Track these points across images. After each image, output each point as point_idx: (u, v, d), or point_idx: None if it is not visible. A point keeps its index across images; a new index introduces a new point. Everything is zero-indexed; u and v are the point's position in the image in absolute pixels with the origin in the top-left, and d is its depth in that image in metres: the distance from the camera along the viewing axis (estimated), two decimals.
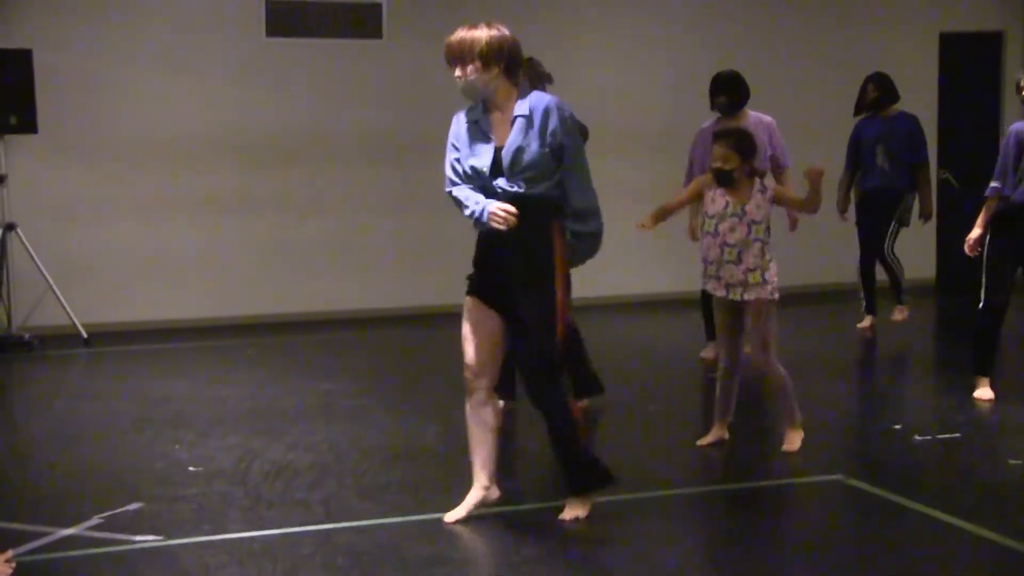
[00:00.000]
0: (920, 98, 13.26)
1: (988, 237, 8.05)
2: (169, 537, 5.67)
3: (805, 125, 12.95)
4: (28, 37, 11.22)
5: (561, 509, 5.86)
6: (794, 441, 7.00)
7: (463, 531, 5.70)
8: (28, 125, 10.87)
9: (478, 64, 5.70)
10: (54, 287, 11.02)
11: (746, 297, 6.81)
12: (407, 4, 12.52)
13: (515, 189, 5.67)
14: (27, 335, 10.98)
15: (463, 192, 5.86)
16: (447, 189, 5.97)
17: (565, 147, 5.66)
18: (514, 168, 5.67)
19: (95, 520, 5.89)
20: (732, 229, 6.80)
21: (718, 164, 6.81)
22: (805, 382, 8.99)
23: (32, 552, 5.47)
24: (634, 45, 13.10)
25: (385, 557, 5.36)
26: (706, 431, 7.22)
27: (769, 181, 6.87)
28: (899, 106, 11.02)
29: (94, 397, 8.96)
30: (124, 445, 7.48)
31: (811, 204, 6.86)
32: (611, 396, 8.25)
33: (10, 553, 5.33)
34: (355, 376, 9.57)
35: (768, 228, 6.83)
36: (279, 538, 5.66)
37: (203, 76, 12.01)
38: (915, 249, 12.92)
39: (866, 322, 11.10)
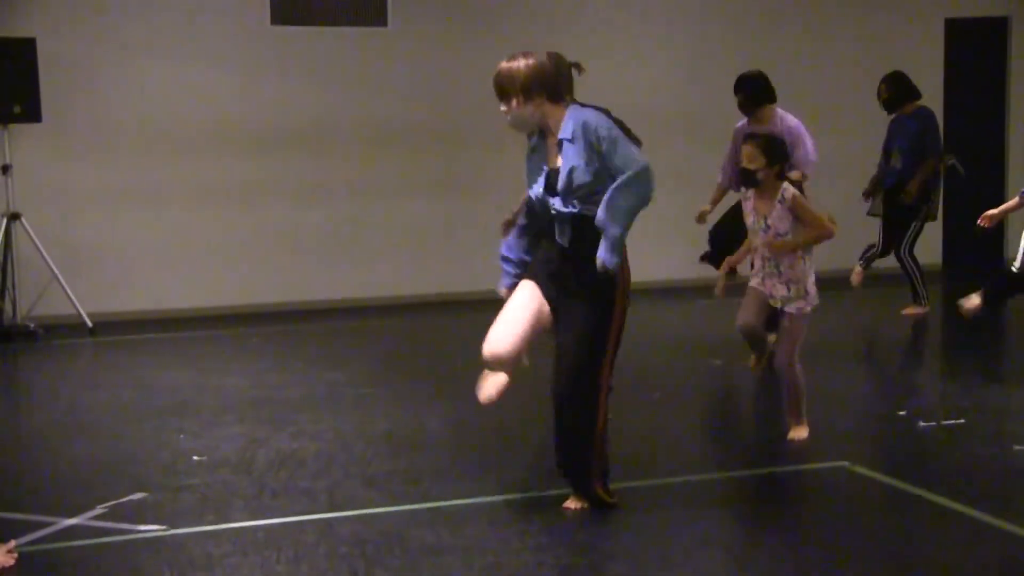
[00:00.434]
0: (926, 84, 13.20)
1: None
2: (173, 526, 5.67)
3: (811, 112, 12.90)
4: (32, 26, 11.21)
5: (565, 497, 5.85)
6: (801, 432, 6.98)
7: (466, 519, 5.69)
8: (32, 114, 10.86)
9: (520, 98, 5.68)
10: (59, 276, 11.02)
11: (787, 309, 6.81)
12: None
13: (569, 210, 5.65)
14: (32, 324, 10.99)
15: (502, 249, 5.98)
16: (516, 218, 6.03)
17: (605, 154, 5.59)
18: (567, 189, 5.64)
19: (99, 510, 5.90)
20: (765, 244, 6.81)
21: (744, 163, 6.83)
22: (810, 368, 8.98)
23: (35, 542, 5.47)
24: (642, 34, 13.07)
25: (388, 545, 5.36)
26: (710, 420, 7.21)
27: (789, 190, 6.77)
28: (921, 101, 10.96)
29: (99, 386, 8.96)
30: (128, 434, 7.47)
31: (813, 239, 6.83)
32: (615, 383, 8.22)
33: (12, 544, 5.33)
34: (360, 365, 9.56)
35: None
36: (283, 527, 5.65)
37: (207, 64, 12.00)
38: (921, 235, 12.91)
39: (910, 309, 11.10)
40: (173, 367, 9.57)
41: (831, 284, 12.75)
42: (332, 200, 12.42)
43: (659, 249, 12.76)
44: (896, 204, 10.89)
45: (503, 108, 5.77)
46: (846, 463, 6.48)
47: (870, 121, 11.37)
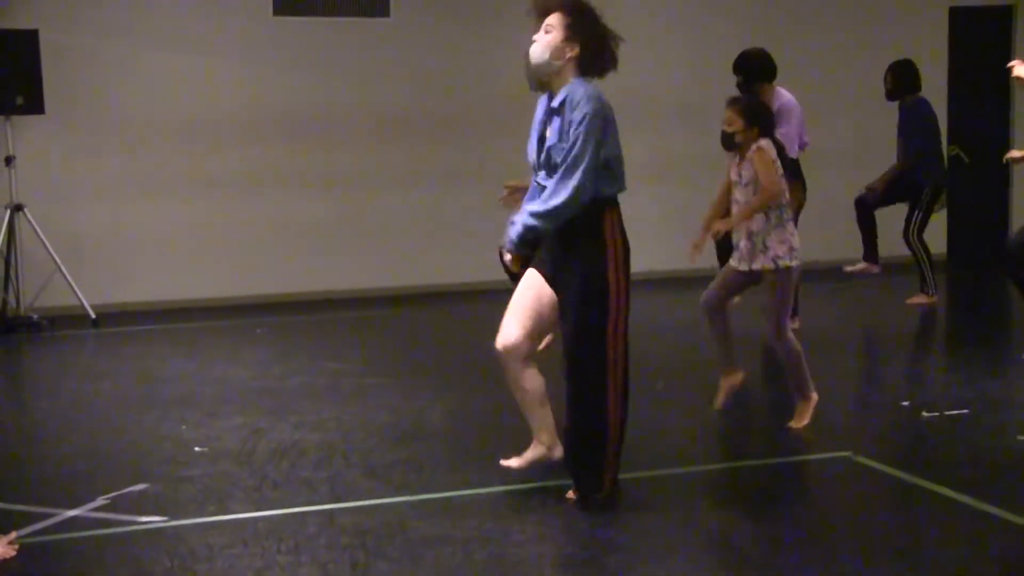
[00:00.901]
0: (930, 73, 13.16)
1: None
2: (174, 518, 5.66)
3: (814, 101, 12.89)
4: (35, 18, 11.20)
5: (567, 488, 5.84)
6: (804, 415, 6.95)
7: (468, 510, 5.68)
8: (35, 106, 10.85)
9: (562, 31, 5.56)
10: (62, 268, 11.02)
11: (753, 267, 6.80)
12: None
13: (548, 184, 5.56)
14: (36, 316, 10.99)
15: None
16: None
17: (570, 142, 5.42)
18: (547, 163, 5.56)
19: (100, 501, 5.89)
20: (735, 199, 6.87)
21: (724, 126, 6.85)
22: (813, 358, 8.95)
23: (36, 534, 5.47)
24: (646, 23, 13.04)
25: (389, 536, 5.35)
26: (713, 410, 7.18)
27: (759, 144, 6.76)
28: (922, 92, 10.94)
29: (101, 377, 8.96)
30: (131, 425, 7.47)
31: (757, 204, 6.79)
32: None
33: (14, 535, 5.32)
34: (362, 355, 9.56)
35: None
36: (284, 518, 5.65)
37: (210, 55, 11.99)
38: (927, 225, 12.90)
39: (857, 266, 11.03)
40: (176, 358, 9.57)
41: (830, 275, 12.77)
42: (336, 191, 12.41)
43: (662, 238, 12.73)
44: (903, 193, 10.87)
45: (538, 34, 5.55)
46: (849, 454, 6.46)
47: (874, 110, 11.36)
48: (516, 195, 6.16)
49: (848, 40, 13.40)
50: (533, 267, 5.75)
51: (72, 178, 11.64)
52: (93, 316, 11.00)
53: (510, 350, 5.72)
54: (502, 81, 12.34)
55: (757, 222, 6.78)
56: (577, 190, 5.41)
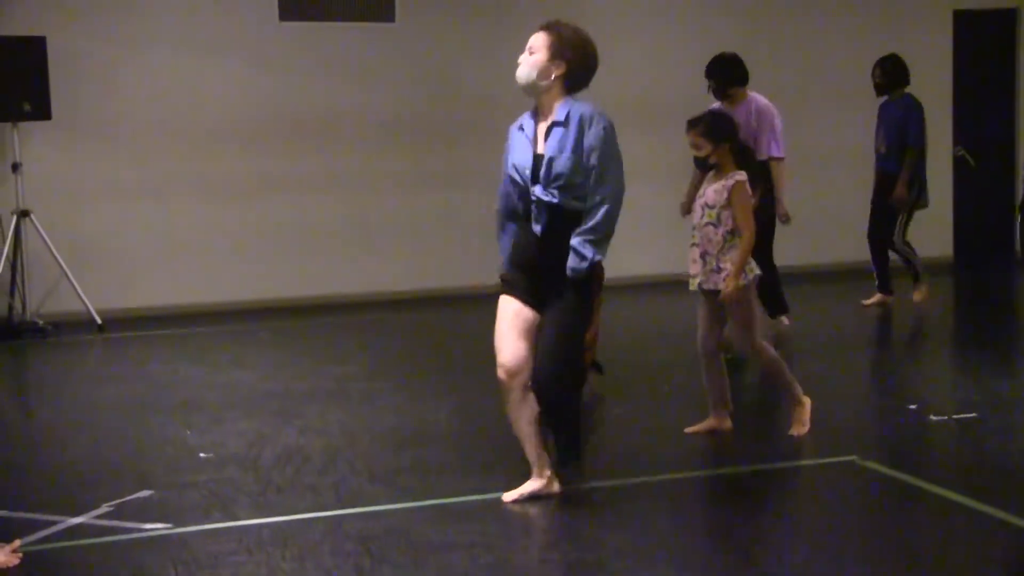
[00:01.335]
0: (934, 76, 13.20)
1: None
2: (178, 524, 5.65)
3: (818, 104, 12.89)
4: (42, 24, 11.22)
5: (572, 494, 5.84)
6: (802, 422, 6.87)
7: (472, 515, 5.67)
8: (42, 112, 10.86)
9: (547, 54, 5.68)
10: (68, 273, 11.03)
11: (704, 287, 6.74)
12: None
13: (548, 199, 5.62)
14: (41, 321, 11.00)
15: (501, 242, 5.92)
16: (496, 207, 5.96)
17: (594, 167, 5.56)
18: (547, 177, 5.61)
19: (104, 508, 5.88)
20: (694, 211, 6.83)
21: (693, 152, 6.78)
22: (820, 362, 8.96)
23: (40, 541, 5.46)
24: (650, 20, 13.05)
25: (394, 542, 5.34)
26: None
27: (740, 175, 6.71)
28: (910, 88, 10.93)
29: (107, 383, 8.96)
30: (136, 431, 7.47)
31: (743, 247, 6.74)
32: (623, 377, 8.22)
33: (17, 543, 5.31)
34: (368, 359, 9.55)
35: (729, 217, 6.69)
36: (288, 524, 5.64)
37: (217, 60, 12.00)
38: (932, 226, 12.88)
39: (873, 299, 11.06)
40: (182, 363, 9.57)
41: (837, 277, 12.75)
42: (341, 195, 12.41)
43: (665, 242, 12.71)
44: (882, 189, 10.86)
45: (523, 57, 5.70)
46: (856, 457, 6.44)
47: (872, 114, 11.30)
48: None
49: (852, 43, 13.37)
50: (508, 293, 5.78)
51: (78, 184, 11.64)
52: (99, 321, 11.00)
53: (513, 373, 5.73)
54: (507, 85, 12.27)
55: (713, 243, 6.71)
56: (619, 200, 5.61)
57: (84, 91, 11.57)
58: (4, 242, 10.93)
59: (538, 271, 5.69)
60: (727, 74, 9.26)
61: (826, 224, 13.03)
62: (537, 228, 5.66)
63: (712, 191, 6.73)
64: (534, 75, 5.66)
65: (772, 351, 6.84)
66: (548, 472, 5.87)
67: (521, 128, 5.80)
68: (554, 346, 5.64)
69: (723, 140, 6.72)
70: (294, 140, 12.22)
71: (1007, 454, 6.57)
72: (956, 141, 13.58)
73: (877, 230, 10.98)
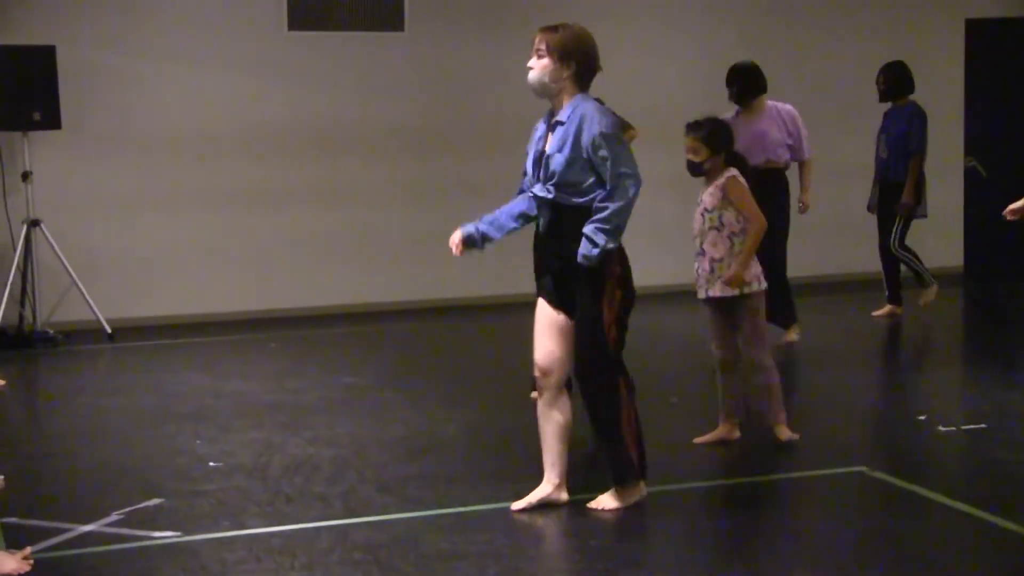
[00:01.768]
0: (946, 85, 13.18)
1: None
2: (187, 533, 5.66)
3: (828, 113, 12.88)
4: (51, 34, 11.23)
5: (581, 502, 5.84)
6: (784, 432, 6.92)
7: (481, 525, 5.67)
8: (52, 121, 10.87)
9: (555, 56, 5.74)
10: (78, 283, 11.04)
11: (710, 294, 6.73)
12: None
13: (543, 195, 5.75)
14: (52, 331, 11.01)
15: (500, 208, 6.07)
16: None
17: (595, 164, 5.62)
18: (545, 175, 5.72)
19: (114, 516, 5.89)
20: (694, 219, 6.80)
21: (688, 155, 6.76)
22: (829, 372, 8.96)
23: (50, 549, 5.47)
24: (656, 30, 13.05)
25: (403, 551, 5.35)
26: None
27: (730, 172, 6.72)
28: (922, 97, 10.92)
29: (117, 392, 8.97)
30: (146, 440, 7.48)
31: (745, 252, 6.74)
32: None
33: (28, 550, 5.32)
34: (377, 369, 9.56)
35: (736, 217, 6.69)
36: (297, 533, 5.65)
37: (225, 70, 12.01)
38: (942, 236, 12.86)
39: (882, 310, 11.04)
40: (191, 372, 9.59)
41: (847, 287, 12.73)
42: (350, 205, 12.41)
43: (672, 252, 12.72)
44: (885, 196, 10.85)
45: (532, 61, 5.78)
46: (864, 468, 6.43)
47: None
48: None
49: (863, 52, 13.34)
50: (539, 296, 5.92)
51: (88, 193, 11.66)
52: (109, 331, 11.01)
53: (546, 372, 5.84)
54: (515, 95, 12.29)
55: (719, 249, 6.71)
56: (636, 192, 5.65)
57: (94, 101, 11.59)
58: (14, 251, 10.94)
59: (551, 272, 5.81)
60: (749, 83, 9.36)
61: (833, 234, 13.01)
62: (541, 226, 5.82)
63: (708, 195, 6.74)
64: (547, 78, 5.74)
65: (775, 370, 6.84)
66: (557, 480, 5.87)
67: (537, 127, 5.92)
68: (578, 346, 5.75)
69: (720, 150, 6.71)
70: (303, 150, 12.23)
71: (1016, 465, 6.55)
72: (968, 151, 13.54)
73: (888, 240, 10.96)
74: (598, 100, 5.98)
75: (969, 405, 7.92)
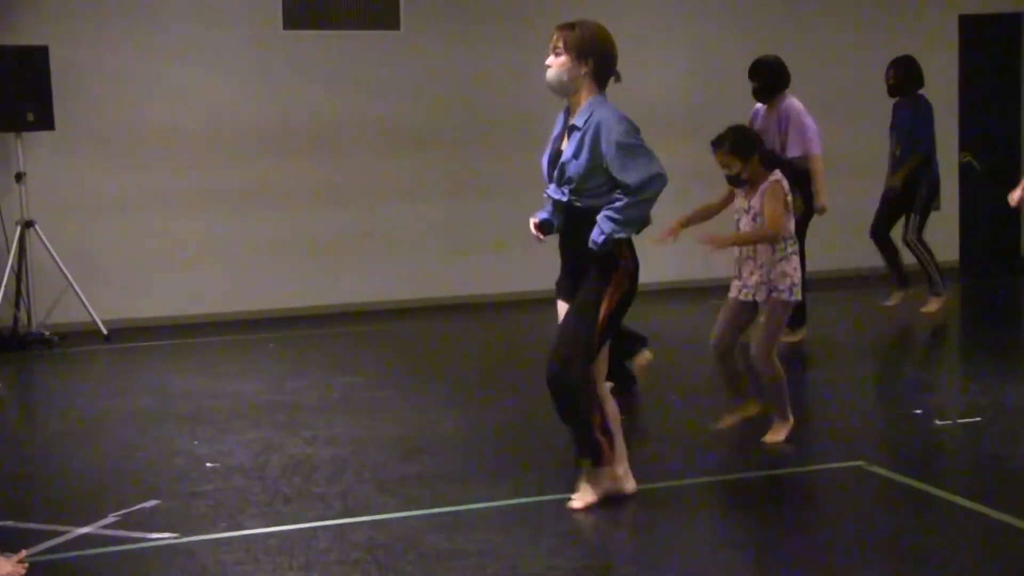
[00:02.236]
0: (940, 81, 13.18)
1: None
2: (185, 534, 5.65)
3: (822, 109, 12.86)
4: (44, 34, 11.21)
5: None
6: (779, 433, 6.87)
7: (479, 523, 5.67)
8: (45, 122, 10.86)
9: (573, 54, 5.72)
10: (73, 284, 11.03)
11: (757, 298, 6.71)
12: None
13: (557, 196, 5.74)
14: (47, 332, 10.99)
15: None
16: None
17: (618, 164, 5.59)
18: (560, 177, 5.72)
19: (110, 518, 5.88)
20: (746, 225, 6.75)
21: (724, 171, 6.76)
22: (826, 367, 8.97)
23: (46, 552, 5.46)
24: (650, 34, 13.04)
25: (402, 551, 5.34)
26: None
27: (774, 176, 6.69)
28: (922, 91, 10.92)
29: (114, 393, 8.96)
30: (143, 441, 7.46)
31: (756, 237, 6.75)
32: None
33: (24, 553, 5.29)
34: (376, 369, 9.55)
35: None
36: (296, 533, 5.64)
37: (220, 70, 12.00)
38: (939, 232, 12.85)
39: (893, 299, 10.97)
40: (188, 373, 9.58)
41: (844, 282, 12.74)
42: (346, 204, 12.41)
43: (671, 249, 12.70)
44: (892, 190, 10.83)
45: (550, 59, 5.75)
46: (862, 463, 6.43)
47: (884, 118, 11.31)
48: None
49: (857, 49, 13.36)
50: (558, 295, 5.93)
51: (82, 194, 11.64)
52: (104, 332, 11.00)
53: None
54: (512, 93, 12.36)
55: (764, 253, 6.68)
56: (657, 188, 5.67)
57: (87, 101, 11.57)
58: (8, 252, 10.93)
59: (568, 270, 5.84)
60: (775, 78, 9.38)
61: (833, 230, 13.02)
62: (559, 224, 5.81)
63: (756, 201, 6.71)
64: (564, 76, 5.71)
65: (780, 369, 6.81)
66: (617, 471, 5.89)
67: (557, 124, 5.90)
68: (562, 329, 5.72)
69: (751, 154, 6.68)
70: (298, 149, 12.21)
71: (1012, 458, 6.57)
72: (962, 147, 13.57)
73: (880, 225, 10.89)
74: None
75: (965, 399, 7.92)
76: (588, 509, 5.79)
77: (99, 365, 10.37)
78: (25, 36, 11.15)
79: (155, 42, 11.78)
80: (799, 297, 6.75)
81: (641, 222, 5.70)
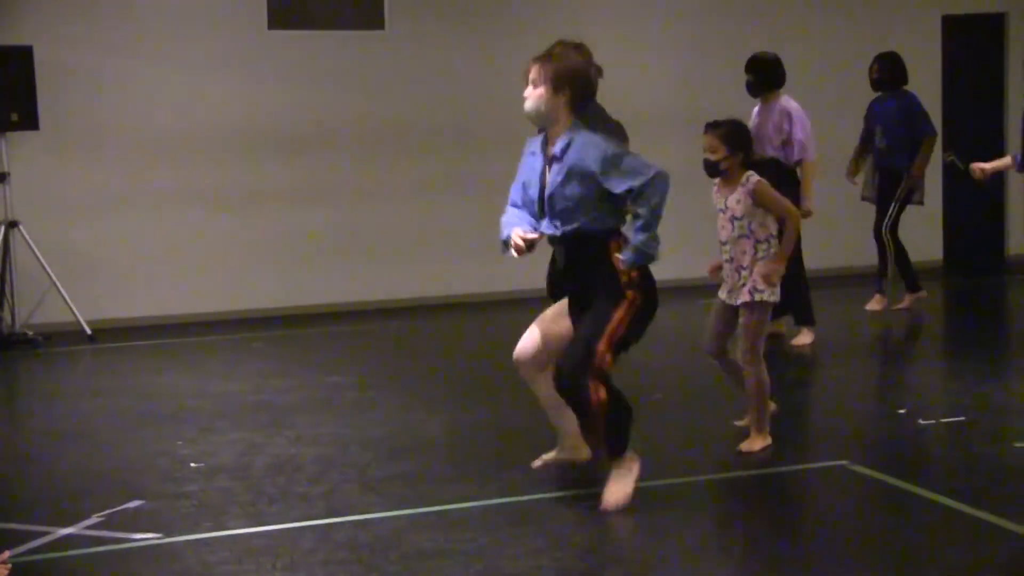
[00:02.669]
0: (923, 80, 13.20)
1: None
2: (169, 535, 5.64)
3: (807, 109, 12.88)
4: (28, 34, 11.20)
5: (562, 501, 5.85)
6: (754, 444, 6.80)
7: (464, 523, 5.67)
8: (30, 122, 10.85)
9: (549, 86, 5.74)
10: (57, 284, 11.01)
11: (740, 300, 6.68)
12: None
13: (551, 232, 5.75)
14: (31, 332, 10.98)
15: (504, 218, 5.91)
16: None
17: (612, 182, 5.60)
18: (551, 211, 5.73)
19: (94, 519, 5.87)
20: (722, 226, 6.72)
21: (706, 154, 6.69)
22: (810, 367, 8.98)
23: (29, 552, 5.44)
24: (640, 35, 13.05)
25: (386, 550, 5.33)
26: (709, 421, 7.15)
27: (754, 177, 6.67)
28: (907, 87, 10.96)
29: (98, 394, 8.94)
30: (126, 442, 7.45)
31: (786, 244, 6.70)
32: (617, 382, 8.19)
33: (6, 554, 5.29)
34: (359, 369, 9.54)
35: (760, 224, 6.66)
36: (280, 533, 5.63)
37: (205, 70, 11.99)
38: (922, 230, 12.88)
39: (904, 301, 11.02)
40: (173, 373, 9.56)
41: (827, 282, 12.75)
42: (331, 204, 12.40)
43: (671, 249, 12.69)
44: (884, 184, 10.86)
45: (527, 91, 5.77)
46: (845, 462, 6.44)
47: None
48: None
49: (841, 48, 13.40)
50: (564, 299, 5.98)
51: (67, 194, 11.62)
52: (89, 332, 10.98)
53: (518, 359, 6.04)
54: (497, 92, 12.34)
55: (747, 255, 6.67)
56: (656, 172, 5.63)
57: (72, 101, 11.55)
58: None
59: (571, 294, 5.89)
60: (769, 75, 9.41)
61: (814, 228, 13.03)
62: (560, 260, 5.84)
63: (734, 201, 6.65)
64: (543, 108, 5.74)
65: (766, 375, 6.78)
66: (568, 442, 6.08)
67: (533, 154, 5.87)
68: (577, 335, 5.74)
69: (739, 150, 6.66)
70: (283, 149, 12.21)
71: (994, 457, 6.58)
72: (945, 146, 13.58)
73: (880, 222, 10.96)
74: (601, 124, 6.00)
75: (948, 398, 7.95)
76: (618, 507, 5.78)
77: (83, 365, 10.36)
78: (9, 36, 11.13)
79: (140, 42, 11.77)
80: (778, 297, 6.75)
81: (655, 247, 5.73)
